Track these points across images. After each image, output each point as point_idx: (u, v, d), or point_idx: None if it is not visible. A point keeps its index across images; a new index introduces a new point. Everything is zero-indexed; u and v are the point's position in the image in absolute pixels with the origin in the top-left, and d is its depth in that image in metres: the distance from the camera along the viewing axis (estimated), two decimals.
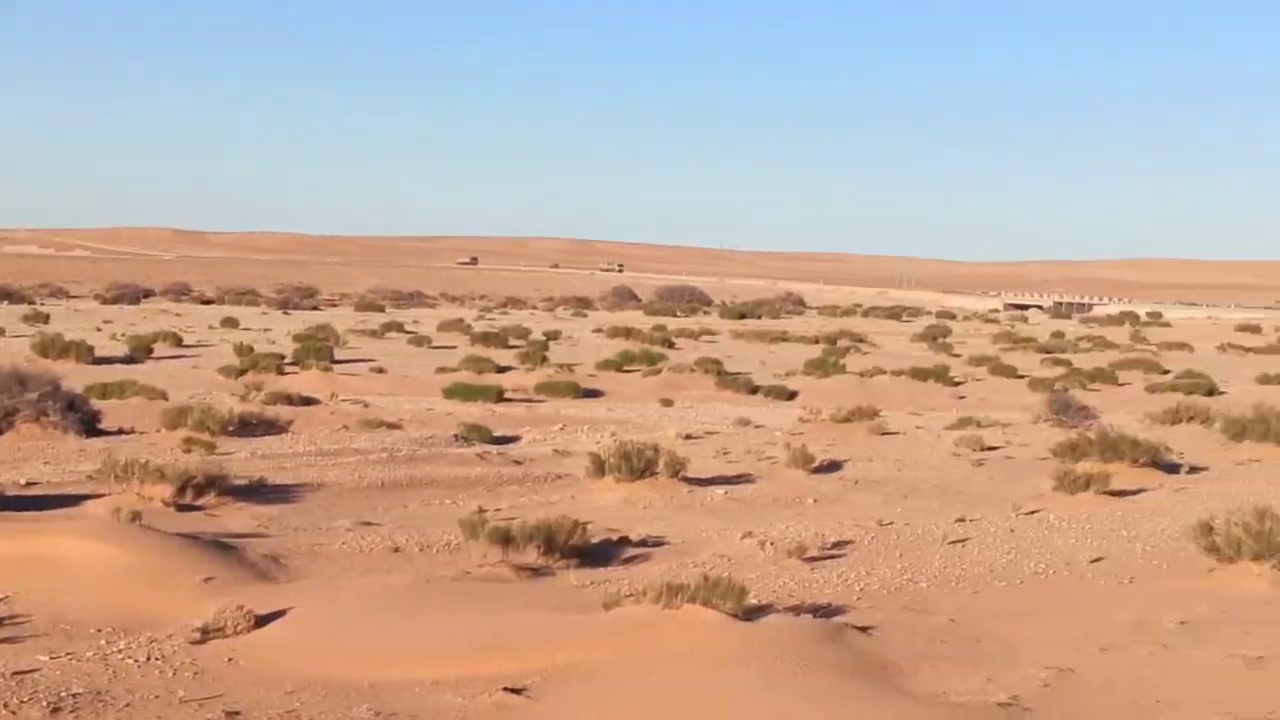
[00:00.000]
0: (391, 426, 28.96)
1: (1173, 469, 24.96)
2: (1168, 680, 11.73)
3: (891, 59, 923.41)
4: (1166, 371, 58.11)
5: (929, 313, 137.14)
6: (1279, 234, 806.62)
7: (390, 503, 20.48)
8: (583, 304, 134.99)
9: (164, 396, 31.95)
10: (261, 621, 11.82)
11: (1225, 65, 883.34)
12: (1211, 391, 47.42)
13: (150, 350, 52.26)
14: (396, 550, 16.52)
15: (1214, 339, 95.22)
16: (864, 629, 12.90)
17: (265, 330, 73.40)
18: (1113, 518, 19.89)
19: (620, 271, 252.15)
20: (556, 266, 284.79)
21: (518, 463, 24.98)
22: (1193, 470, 24.94)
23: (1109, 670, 12.08)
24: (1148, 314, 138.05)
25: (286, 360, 47.88)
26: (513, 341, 66.42)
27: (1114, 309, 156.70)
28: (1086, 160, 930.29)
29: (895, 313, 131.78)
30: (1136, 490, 22.24)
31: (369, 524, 18.41)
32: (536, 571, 15.30)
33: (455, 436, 27.76)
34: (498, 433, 29.25)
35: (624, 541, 17.59)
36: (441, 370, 47.07)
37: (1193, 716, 10.49)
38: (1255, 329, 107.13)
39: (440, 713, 10.23)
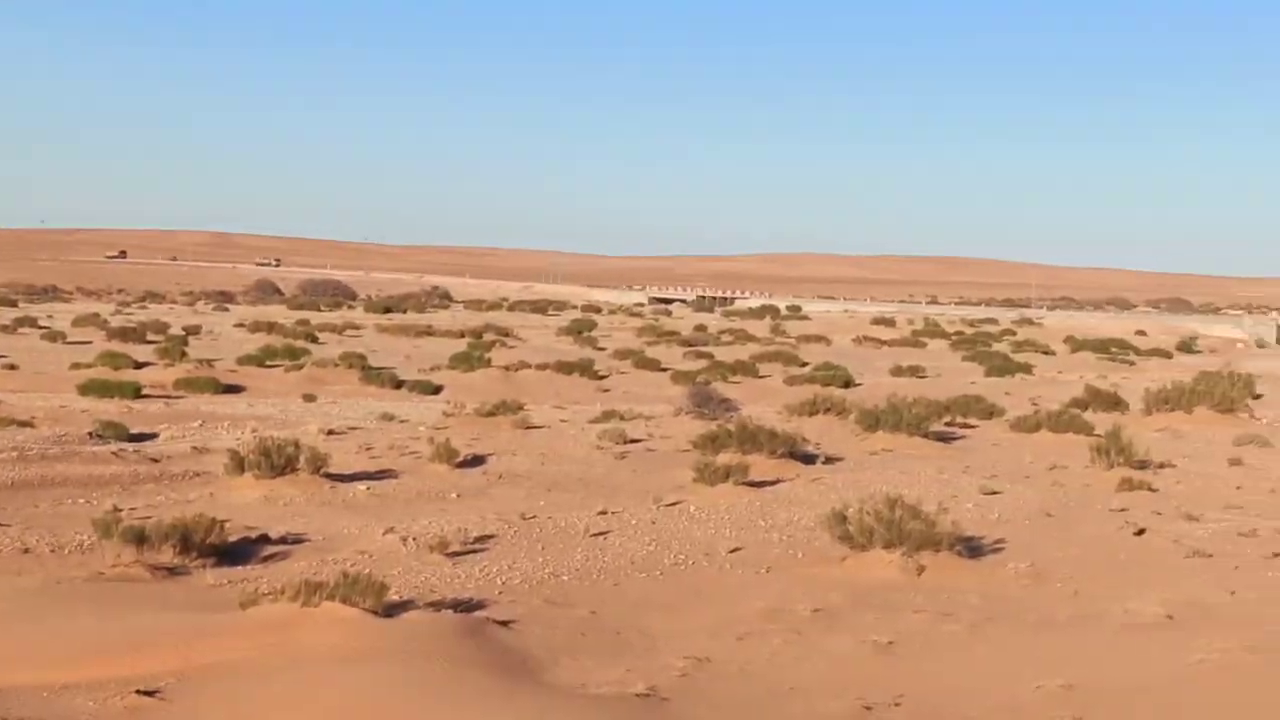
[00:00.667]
0: (23, 424, 30.05)
1: (809, 459, 28.14)
2: (801, 667, 13.69)
3: (517, 47, 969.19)
4: (805, 364, 65.70)
5: (575, 307, 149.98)
6: (912, 231, 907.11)
7: (21, 503, 21.36)
8: (225, 298, 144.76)
9: None
10: None
11: (853, 64, 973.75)
12: (847, 383, 53.56)
13: None
14: (26, 551, 17.63)
15: (850, 332, 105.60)
16: (505, 623, 14.45)
17: None
18: (751, 508, 22.61)
19: (277, 266, 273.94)
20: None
21: (155, 460, 26.12)
22: (829, 461, 28.31)
23: (745, 658, 13.94)
24: (787, 308, 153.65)
25: None
26: (151, 337, 69.85)
27: (755, 303, 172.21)
28: (729, 157, 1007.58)
29: (541, 307, 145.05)
30: (774, 481, 25.26)
31: None
32: (172, 571, 16.63)
33: (90, 434, 29.05)
34: (135, 430, 30.69)
35: (263, 539, 19.08)
36: (76, 366, 49.51)
37: (824, 701, 12.35)
38: (890, 322, 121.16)
39: (70, 717, 11.03)
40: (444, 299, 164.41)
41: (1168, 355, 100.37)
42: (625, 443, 31.01)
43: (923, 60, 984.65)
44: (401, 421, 35.29)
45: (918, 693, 12.62)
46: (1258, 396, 48.82)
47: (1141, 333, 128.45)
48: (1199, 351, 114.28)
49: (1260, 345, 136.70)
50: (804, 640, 14.71)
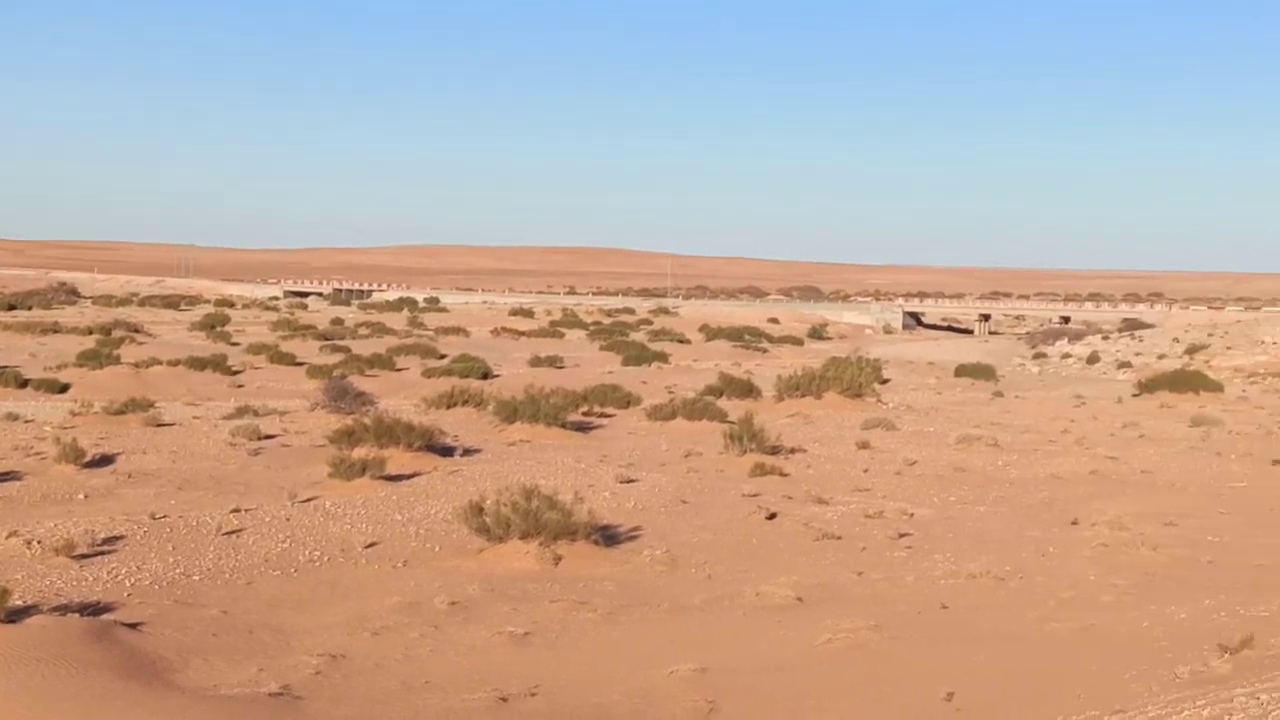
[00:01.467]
0: None
1: (447, 452, 28.16)
2: (437, 660, 13.68)
3: (139, 29, 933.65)
4: (443, 356, 65.85)
5: (208, 301, 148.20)
6: (549, 222, 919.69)
7: None
8: None
9: None
10: None
11: (480, 54, 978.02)
12: (486, 375, 53.88)
13: None
14: None
15: (489, 323, 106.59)
16: (134, 625, 13.88)
17: None
18: (388, 502, 22.47)
19: None
20: None
21: None
22: (467, 453, 28.40)
23: (381, 653, 13.83)
24: (425, 300, 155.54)
25: None
26: None
27: (392, 295, 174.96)
28: (364, 147, 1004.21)
29: (173, 302, 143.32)
30: (412, 474, 25.14)
31: None
32: None
33: None
34: None
35: None
36: None
37: (460, 694, 12.36)
38: (528, 313, 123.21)
39: None
40: (71, 295, 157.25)
41: (799, 342, 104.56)
42: (260, 439, 30.56)
43: (547, 50, 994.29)
44: (26, 421, 33.60)
45: (553, 682, 12.76)
46: (885, 381, 51.30)
47: (774, 320, 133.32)
48: (829, 338, 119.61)
49: (888, 331, 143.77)
50: (441, 633, 14.69)
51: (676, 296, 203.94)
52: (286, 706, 11.63)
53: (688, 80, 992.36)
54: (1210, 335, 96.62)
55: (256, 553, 18.57)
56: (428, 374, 54.18)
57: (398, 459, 25.82)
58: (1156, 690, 11.64)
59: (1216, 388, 54.07)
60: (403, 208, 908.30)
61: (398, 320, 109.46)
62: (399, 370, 58.70)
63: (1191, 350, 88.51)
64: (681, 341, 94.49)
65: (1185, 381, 54.13)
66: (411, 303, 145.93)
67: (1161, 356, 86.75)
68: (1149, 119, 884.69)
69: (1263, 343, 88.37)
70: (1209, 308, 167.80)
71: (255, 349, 66.89)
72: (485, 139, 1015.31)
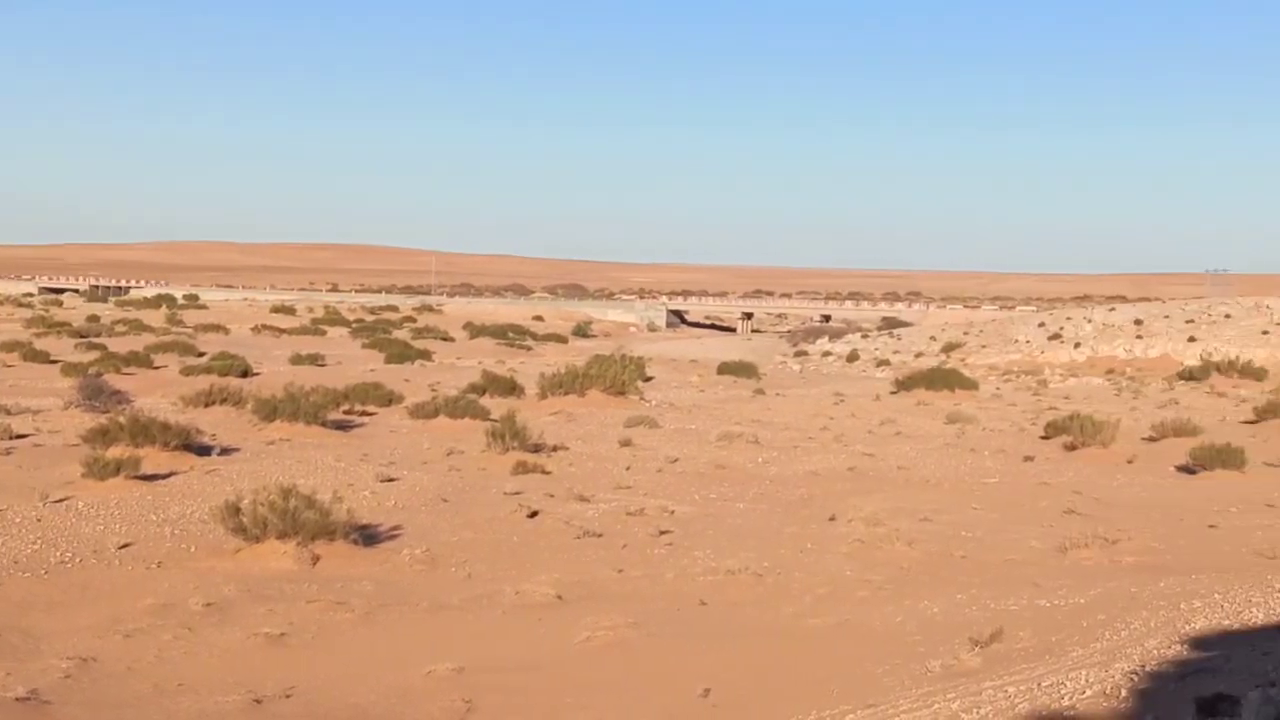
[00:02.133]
0: None
1: (205, 451, 27.49)
2: (191, 662, 13.36)
3: None
4: (202, 354, 64.64)
5: None
6: (311, 218, 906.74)
7: None
8: None
9: None
10: None
11: (231, 45, 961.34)
12: (245, 373, 52.83)
13: None
14: None
15: (250, 321, 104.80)
16: None
17: None
18: (143, 502, 21.83)
19: None
20: None
21: None
22: (225, 451, 27.80)
23: (133, 656, 13.44)
24: (185, 296, 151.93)
25: None
26: None
27: (150, 292, 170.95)
28: (120, 138, 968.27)
29: None
30: (168, 474, 24.46)
31: None
32: None
33: None
34: None
35: None
36: None
37: (213, 697, 12.10)
38: (290, 311, 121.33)
39: None
40: None
41: (564, 340, 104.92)
42: (11, 438, 29.52)
43: (298, 42, 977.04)
44: None
45: (309, 683, 12.60)
46: (648, 379, 51.73)
47: (539, 318, 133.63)
48: (594, 336, 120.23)
49: (652, 329, 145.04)
50: (195, 635, 14.37)
51: (441, 294, 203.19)
52: (34, 711, 11.27)
53: (447, 72, 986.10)
54: (966, 334, 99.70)
55: (5, 554, 17.91)
56: (186, 372, 52.92)
57: (154, 458, 25.17)
58: (909, 684, 11.93)
59: (971, 385, 55.79)
60: (162, 203, 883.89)
61: (156, 317, 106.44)
62: (156, 368, 57.36)
63: (948, 349, 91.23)
64: (445, 339, 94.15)
65: (941, 379, 55.72)
66: (170, 300, 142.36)
67: (919, 355, 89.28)
68: (906, 119, 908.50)
69: (1016, 341, 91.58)
70: (965, 307, 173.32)
71: (7, 346, 64.64)
72: (245, 132, 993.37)
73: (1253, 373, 66.57)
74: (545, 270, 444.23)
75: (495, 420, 31.97)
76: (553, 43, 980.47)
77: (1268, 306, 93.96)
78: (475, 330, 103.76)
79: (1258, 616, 16.98)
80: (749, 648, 13.61)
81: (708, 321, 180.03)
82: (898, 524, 22.14)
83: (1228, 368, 68.14)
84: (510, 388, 45.30)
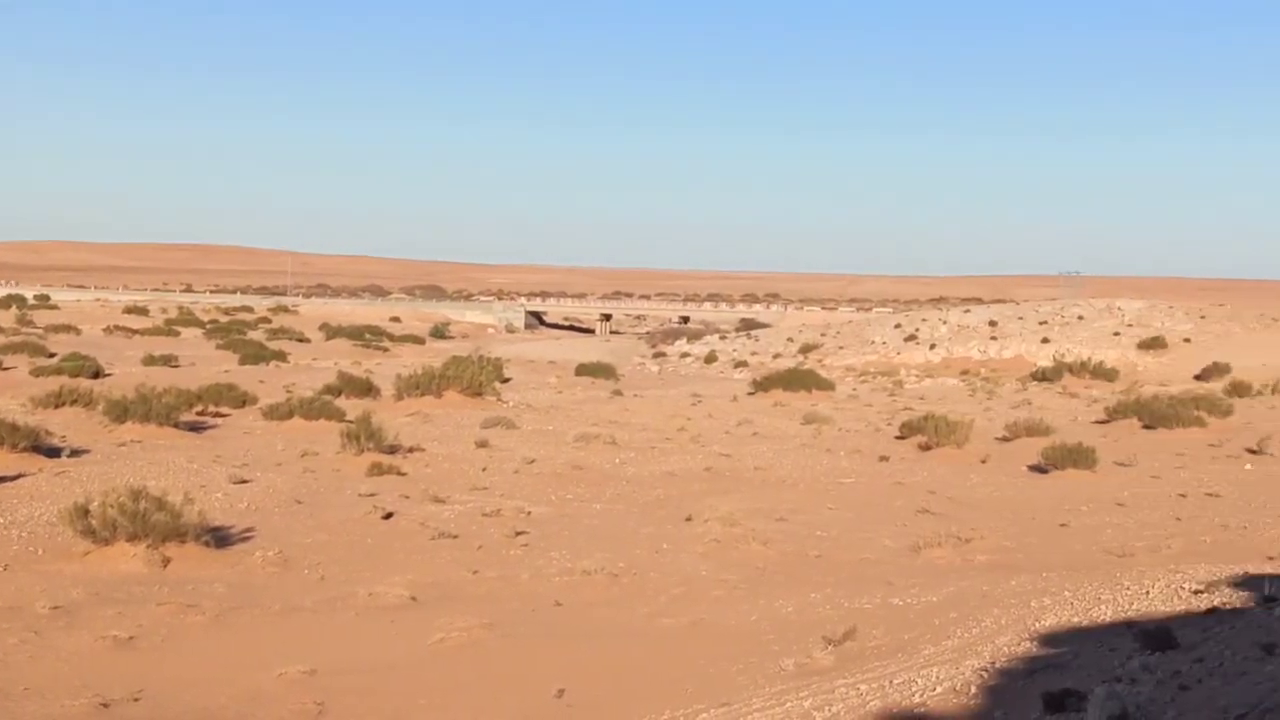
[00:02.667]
0: None
1: (54, 452, 26.84)
2: (37, 666, 13.06)
3: None
4: (53, 354, 63.11)
5: None
6: (164, 218, 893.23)
7: None
8: None
9: None
10: None
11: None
12: (97, 374, 51.79)
13: None
14: None
15: (102, 321, 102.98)
16: None
17: None
18: None
19: None
20: None
21: None
22: (75, 453, 27.11)
23: None
24: (35, 297, 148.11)
25: None
26: None
27: (1, 292, 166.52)
28: None
29: None
30: (16, 475, 23.77)
31: None
32: None
33: None
34: None
35: None
36: None
37: (60, 701, 11.87)
38: (143, 311, 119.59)
39: None
40: None
41: (421, 341, 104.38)
42: None
43: (146, 37, 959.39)
44: None
45: (158, 686, 12.41)
46: (506, 380, 51.52)
47: (396, 319, 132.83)
48: (452, 337, 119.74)
49: (510, 330, 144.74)
50: (41, 639, 14.06)
51: (296, 295, 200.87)
52: None
53: (298, 70, 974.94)
54: (823, 335, 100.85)
55: None
56: (36, 373, 51.70)
57: (1, 460, 24.62)
58: (762, 682, 12.03)
59: (828, 386, 56.39)
60: (11, 203, 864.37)
61: (5, 318, 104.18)
62: (6, 369, 55.93)
63: (805, 350, 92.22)
64: (301, 340, 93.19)
65: (799, 380, 56.25)
66: (20, 300, 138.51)
67: (777, 356, 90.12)
68: (763, 123, 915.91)
69: (872, 343, 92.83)
70: (823, 308, 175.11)
71: None
72: (96, 130, 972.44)
73: (1104, 373, 68.08)
74: (402, 271, 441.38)
75: (350, 421, 31.63)
76: (404, 37, 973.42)
77: (1119, 308, 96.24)
78: (331, 331, 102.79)
79: (1106, 614, 17.35)
80: (604, 648, 13.64)
81: (566, 323, 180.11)
82: (753, 524, 22.31)
83: (1080, 368, 69.61)
84: (366, 389, 44.93)
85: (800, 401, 50.21)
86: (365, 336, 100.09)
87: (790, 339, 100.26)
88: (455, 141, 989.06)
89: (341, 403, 38.86)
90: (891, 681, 12.47)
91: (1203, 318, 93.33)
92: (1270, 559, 21.77)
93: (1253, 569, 20.48)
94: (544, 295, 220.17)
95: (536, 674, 12.60)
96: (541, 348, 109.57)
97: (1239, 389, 53.73)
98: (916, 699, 12.37)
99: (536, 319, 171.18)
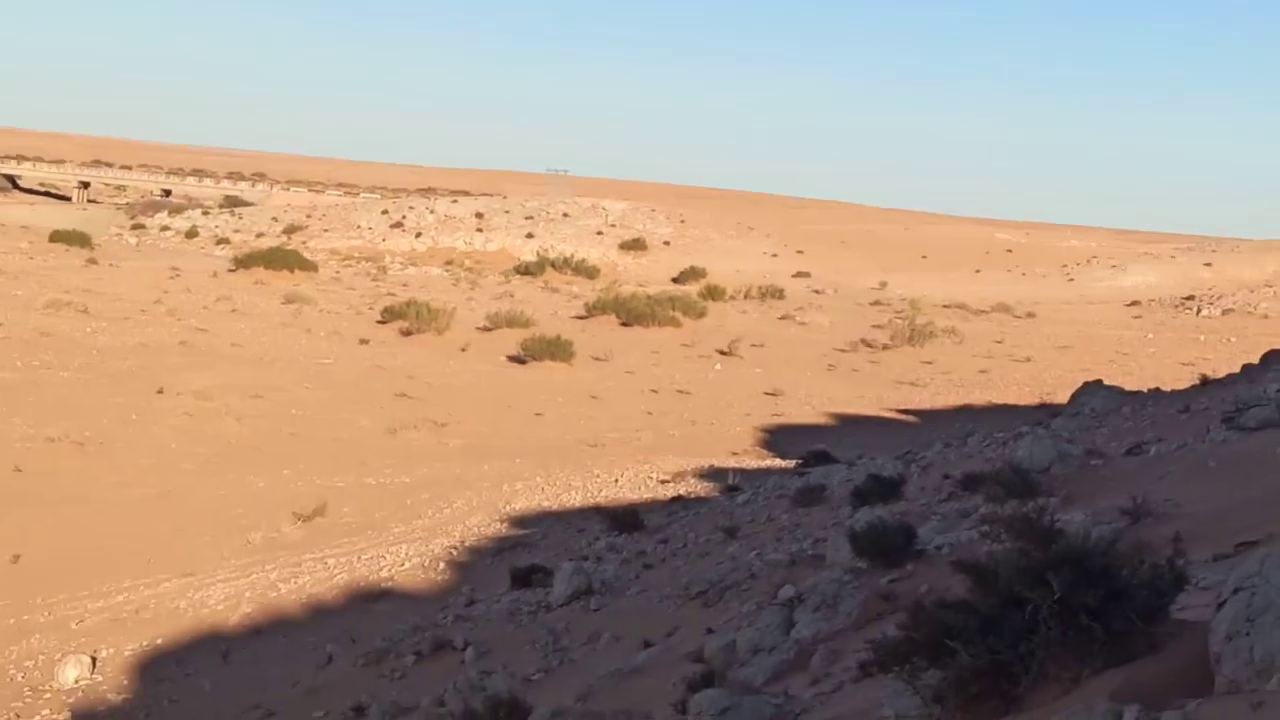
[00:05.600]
0: None
1: None
2: None
3: None
4: None
5: None
6: None
7: None
8: None
9: None
10: None
11: None
12: None
13: None
14: None
15: None
16: None
17: None
18: None
19: None
20: None
21: None
22: None
23: None
24: None
25: None
26: None
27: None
28: None
29: None
30: None
31: None
32: None
33: None
34: None
35: None
36: None
37: None
38: None
39: None
40: None
41: None
42: None
43: None
44: None
45: None
46: None
47: None
48: None
49: None
50: None
51: None
52: None
53: None
54: (309, 217, 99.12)
55: None
56: None
57: None
58: (229, 555, 11.90)
59: (311, 268, 55.61)
60: None
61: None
62: None
63: (290, 230, 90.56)
64: None
65: (281, 260, 55.27)
66: None
67: (260, 235, 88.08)
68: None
69: (359, 227, 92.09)
70: (310, 190, 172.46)
71: None
72: None
73: (586, 270, 69.85)
74: None
75: None
76: None
77: (604, 208, 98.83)
78: None
79: (576, 499, 18.02)
80: (66, 516, 13.17)
81: (42, 189, 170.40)
82: (228, 400, 21.92)
83: (563, 265, 71.16)
84: None
85: (282, 281, 49.39)
86: None
87: (275, 219, 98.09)
88: None
89: None
90: (360, 557, 12.58)
91: (683, 222, 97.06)
92: (734, 454, 23.12)
93: (718, 462, 21.75)
94: (19, 159, 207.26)
95: None
96: (13, 212, 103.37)
97: (713, 293, 56.15)
98: (384, 574, 12.51)
99: (10, 182, 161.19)
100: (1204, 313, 55.15)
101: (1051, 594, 3.95)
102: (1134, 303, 60.22)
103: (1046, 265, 77.72)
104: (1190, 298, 60.36)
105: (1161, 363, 34.97)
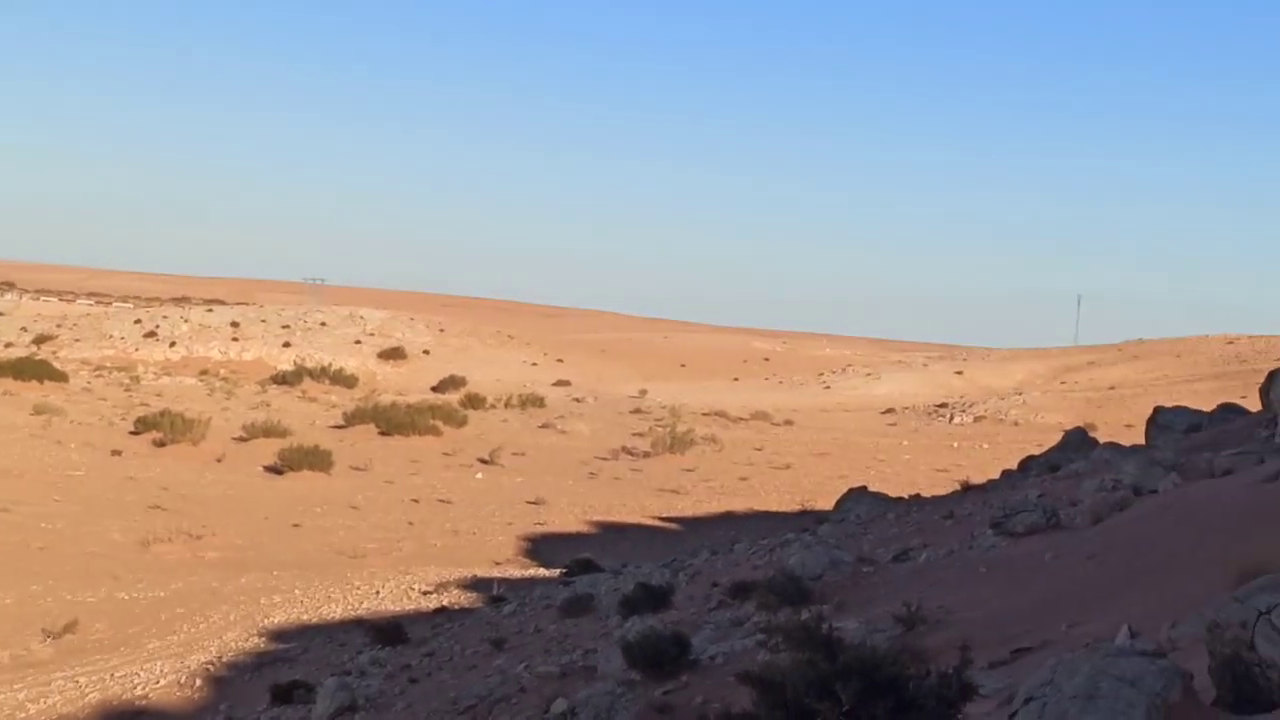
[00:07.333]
0: None
1: None
2: None
3: None
4: None
5: None
6: None
7: None
8: None
9: None
10: None
11: None
12: None
13: None
14: None
15: None
16: None
17: None
18: None
19: None
20: None
21: None
22: None
23: None
24: None
25: None
26: None
27: None
28: None
29: None
30: None
31: None
32: None
33: None
34: None
35: None
36: None
37: None
38: None
39: None
40: None
41: None
42: None
43: None
44: None
45: None
46: None
47: None
48: None
49: None
50: None
51: None
52: None
53: None
54: (59, 327, 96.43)
55: None
56: None
57: None
58: None
59: (62, 378, 54.07)
60: None
61: None
62: None
63: (40, 340, 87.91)
64: None
65: (30, 370, 53.59)
66: None
67: (9, 345, 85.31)
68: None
69: (111, 337, 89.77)
70: (60, 299, 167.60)
71: None
72: None
73: (344, 379, 69.26)
74: None
75: None
76: None
77: (362, 317, 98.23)
78: None
79: (337, 611, 17.69)
80: None
81: None
82: None
83: (320, 374, 70.41)
84: None
85: (31, 392, 47.86)
86: None
87: (24, 328, 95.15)
88: None
89: None
90: (114, 674, 12.13)
91: (442, 331, 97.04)
92: (498, 563, 23.03)
93: (481, 572, 21.60)
94: None
95: None
96: None
97: (474, 401, 56.24)
98: (139, 691, 12.06)
99: None
100: (956, 420, 57.09)
101: (840, 706, 3.97)
102: (889, 410, 62.11)
103: (803, 373, 79.73)
104: (943, 405, 62.50)
105: (917, 469, 36.04)
